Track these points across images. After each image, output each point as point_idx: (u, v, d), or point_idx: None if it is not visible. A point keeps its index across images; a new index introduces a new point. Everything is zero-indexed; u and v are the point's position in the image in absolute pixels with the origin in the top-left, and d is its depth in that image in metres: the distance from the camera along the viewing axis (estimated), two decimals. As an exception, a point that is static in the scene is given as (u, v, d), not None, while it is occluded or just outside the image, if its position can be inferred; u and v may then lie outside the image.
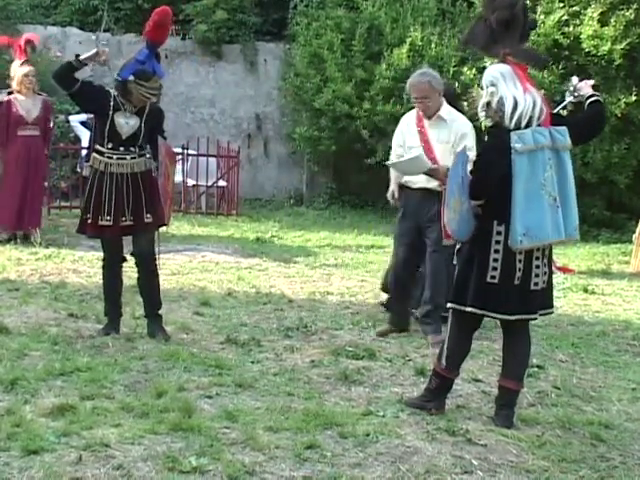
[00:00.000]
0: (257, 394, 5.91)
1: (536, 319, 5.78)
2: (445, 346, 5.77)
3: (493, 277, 5.48)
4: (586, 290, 10.24)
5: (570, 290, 10.28)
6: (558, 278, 10.86)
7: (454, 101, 7.96)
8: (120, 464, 4.59)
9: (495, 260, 5.48)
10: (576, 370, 6.97)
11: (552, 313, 5.92)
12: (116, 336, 7.18)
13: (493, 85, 5.56)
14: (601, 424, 5.65)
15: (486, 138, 5.80)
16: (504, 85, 5.54)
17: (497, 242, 5.47)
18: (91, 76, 17.28)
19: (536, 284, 5.55)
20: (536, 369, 6.83)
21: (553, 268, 11.17)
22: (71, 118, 16.38)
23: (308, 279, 10.08)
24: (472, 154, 6.53)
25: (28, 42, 12.08)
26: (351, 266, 10.88)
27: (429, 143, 7.47)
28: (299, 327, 7.82)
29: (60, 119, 15.47)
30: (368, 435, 5.20)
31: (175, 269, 10.35)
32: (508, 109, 5.48)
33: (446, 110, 7.59)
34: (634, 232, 12.65)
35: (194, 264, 10.74)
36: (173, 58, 17.83)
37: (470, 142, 7.42)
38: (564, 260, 12.27)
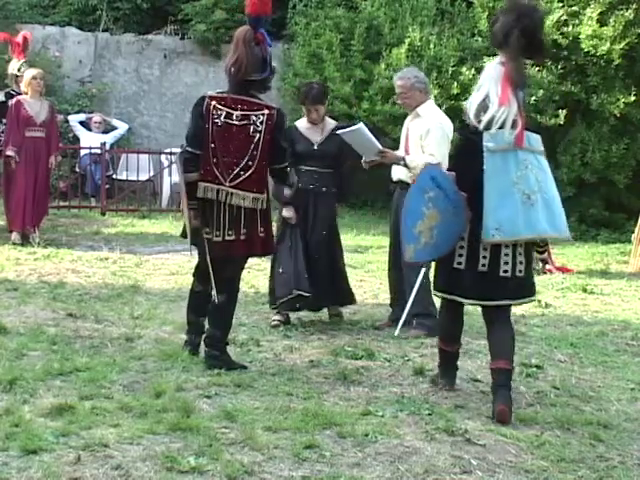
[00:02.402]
0: (256, 394, 5.91)
1: (508, 305, 5.91)
2: (440, 322, 6.26)
3: (459, 263, 5.79)
4: (585, 290, 10.24)
5: (569, 290, 10.28)
6: (557, 278, 10.91)
7: None
8: (119, 464, 4.59)
9: (461, 247, 5.78)
10: (575, 370, 6.97)
11: (532, 301, 6.23)
12: (115, 336, 7.18)
13: (482, 84, 5.86)
14: (600, 424, 5.65)
15: (459, 139, 6.11)
16: (486, 87, 5.79)
17: (483, 233, 5.68)
18: (90, 76, 17.36)
19: (506, 271, 5.72)
20: (535, 369, 6.83)
21: (552, 268, 11.31)
22: (70, 118, 16.40)
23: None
24: (432, 158, 7.32)
25: (25, 40, 12.13)
26: (350, 266, 10.86)
27: (408, 137, 7.91)
28: (298, 327, 7.82)
29: (59, 119, 15.46)
30: (367, 435, 5.19)
31: (174, 269, 10.35)
32: (474, 109, 5.77)
33: (426, 107, 7.91)
34: (633, 232, 12.66)
35: (193, 264, 10.64)
36: (172, 58, 17.84)
37: (430, 140, 7.68)
38: (563, 260, 12.29)
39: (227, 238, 6.35)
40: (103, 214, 14.96)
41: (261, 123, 6.27)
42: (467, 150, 5.96)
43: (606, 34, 14.32)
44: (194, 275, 6.82)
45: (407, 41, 15.70)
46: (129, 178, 16.15)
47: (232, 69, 6.30)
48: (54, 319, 7.65)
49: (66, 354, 6.57)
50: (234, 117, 6.28)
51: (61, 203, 15.10)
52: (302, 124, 8.12)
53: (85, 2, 18.13)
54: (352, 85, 16.09)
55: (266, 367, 6.58)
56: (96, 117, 16.58)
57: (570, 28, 14.72)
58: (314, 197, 7.97)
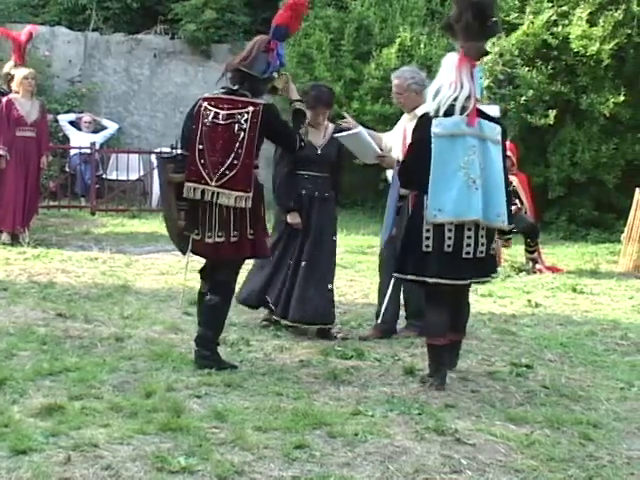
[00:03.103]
0: (246, 394, 5.90)
1: (469, 285, 6.48)
2: (427, 318, 6.44)
3: (427, 246, 6.12)
4: (575, 290, 10.26)
5: (559, 290, 10.29)
6: (547, 277, 10.93)
7: None
8: (109, 464, 4.58)
9: (428, 230, 6.12)
10: (565, 369, 6.98)
11: (494, 278, 6.62)
12: (105, 336, 7.17)
13: (438, 71, 6.31)
14: (589, 423, 5.66)
15: (416, 129, 6.38)
16: (441, 74, 6.23)
17: (426, 213, 6.11)
18: (80, 75, 17.33)
19: (468, 253, 6.11)
20: (525, 369, 6.84)
21: (542, 268, 11.39)
22: (60, 118, 16.37)
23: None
24: None
25: (28, 40, 12.09)
26: (340, 266, 10.85)
27: (405, 138, 7.57)
28: (288, 327, 7.82)
29: (49, 118, 15.43)
30: (357, 435, 5.19)
31: (164, 269, 10.34)
32: (430, 94, 6.23)
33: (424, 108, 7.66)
34: (622, 232, 12.69)
35: (183, 264, 10.63)
36: (162, 58, 17.82)
37: None
38: (553, 260, 12.31)
39: (217, 240, 6.36)
40: (93, 214, 14.94)
41: (245, 121, 6.30)
42: (419, 136, 6.25)
43: (596, 34, 14.34)
44: (201, 276, 6.79)
45: (397, 41, 15.72)
46: (119, 178, 16.13)
47: (229, 63, 6.50)
48: (44, 319, 7.63)
49: (56, 354, 6.56)
50: (220, 117, 6.35)
51: (51, 203, 15.08)
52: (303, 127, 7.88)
53: (75, 2, 18.11)
54: (342, 85, 16.08)
55: (256, 367, 6.58)
56: (86, 117, 16.55)
57: (560, 28, 14.73)
58: (318, 204, 7.70)
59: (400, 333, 7.73)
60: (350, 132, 7.33)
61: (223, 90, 6.48)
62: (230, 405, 5.62)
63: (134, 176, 15.97)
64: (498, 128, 6.29)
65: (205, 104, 6.43)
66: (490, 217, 6.13)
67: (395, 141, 7.73)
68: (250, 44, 6.44)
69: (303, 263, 7.65)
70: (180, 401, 5.58)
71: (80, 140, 16.02)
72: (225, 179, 6.30)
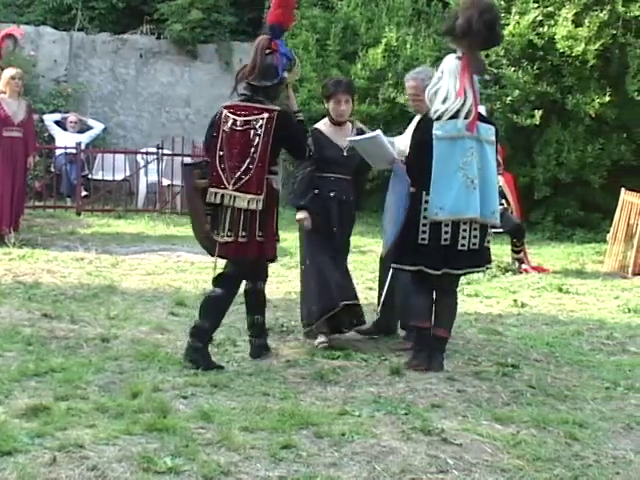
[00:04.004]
0: (233, 394, 5.90)
1: (462, 275, 6.87)
2: (414, 303, 6.78)
3: (424, 239, 6.51)
4: (561, 289, 10.28)
5: (545, 289, 10.31)
6: (533, 277, 10.95)
7: None
8: (95, 465, 4.57)
9: (424, 225, 6.50)
10: (551, 369, 6.99)
11: (489, 269, 7.32)
12: (90, 336, 7.15)
13: (441, 77, 6.55)
14: (575, 423, 5.67)
15: (417, 130, 6.74)
16: (446, 80, 6.50)
17: (425, 209, 6.49)
18: (65, 75, 17.28)
19: (463, 245, 6.51)
20: (511, 368, 6.85)
21: (528, 268, 11.48)
22: (45, 117, 16.32)
23: (284, 279, 10.07)
24: None
25: (8, 37, 12.04)
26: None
27: None
28: (275, 327, 7.81)
29: (34, 118, 15.39)
30: (344, 435, 5.19)
31: (150, 269, 10.32)
32: (437, 100, 6.49)
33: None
34: (608, 232, 12.73)
35: (169, 264, 10.72)
36: (148, 57, 17.78)
37: None
38: (539, 260, 12.33)
39: (227, 239, 6.55)
40: (79, 214, 14.90)
41: (260, 127, 6.52)
42: (420, 138, 6.60)
43: (581, 35, 14.37)
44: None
45: (383, 41, 15.72)
46: (105, 178, 16.09)
47: (240, 74, 6.68)
48: (29, 319, 7.61)
49: (41, 355, 6.54)
50: (238, 123, 6.57)
51: (36, 203, 15.02)
52: (326, 127, 7.46)
53: (60, 1, 18.03)
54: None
55: (243, 367, 6.58)
56: (71, 117, 16.50)
57: (545, 29, 14.75)
58: (341, 207, 7.38)
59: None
60: (367, 136, 7.14)
61: (241, 97, 6.67)
62: (216, 405, 5.62)
63: (120, 176, 15.93)
64: (492, 129, 6.64)
65: (225, 112, 6.64)
66: (486, 214, 6.52)
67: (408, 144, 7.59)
68: (253, 52, 6.59)
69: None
70: (166, 401, 5.57)
71: (66, 140, 15.96)
72: (240, 183, 6.52)
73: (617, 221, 12.38)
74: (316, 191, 7.27)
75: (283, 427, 5.25)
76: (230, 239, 6.53)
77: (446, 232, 6.46)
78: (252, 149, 6.51)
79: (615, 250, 12.27)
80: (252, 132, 6.52)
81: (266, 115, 6.52)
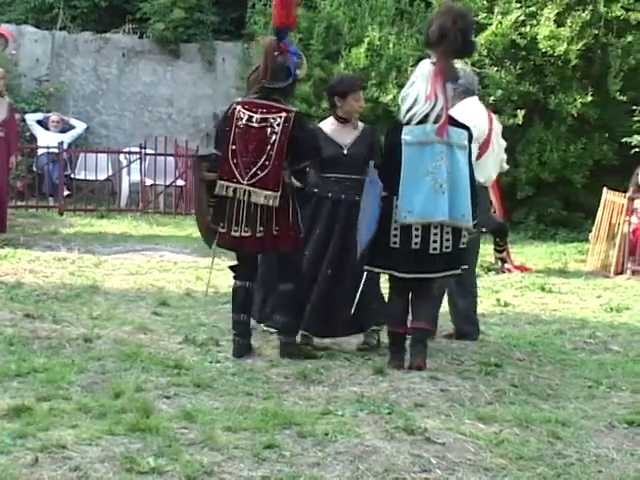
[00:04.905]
0: (216, 394, 5.89)
1: (435, 278, 6.77)
2: (389, 308, 6.84)
3: (395, 242, 6.56)
4: (543, 289, 10.31)
5: (527, 289, 10.34)
6: (516, 277, 10.98)
7: None
8: (77, 465, 4.55)
9: (395, 229, 6.56)
10: (533, 368, 7.01)
11: (461, 273, 6.84)
12: (73, 336, 7.12)
13: (414, 81, 6.61)
14: (558, 422, 5.68)
15: (388, 135, 6.80)
16: (417, 85, 6.56)
17: (396, 214, 6.54)
18: (47, 74, 17.22)
19: (435, 249, 6.54)
20: (494, 367, 6.86)
21: (511, 267, 11.48)
22: (27, 117, 16.26)
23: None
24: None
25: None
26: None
27: None
28: (257, 327, 7.79)
29: (16, 118, 15.33)
30: (327, 434, 5.19)
31: (133, 269, 10.30)
32: (405, 105, 6.57)
33: (463, 107, 7.51)
34: (590, 231, 12.78)
35: (152, 264, 10.70)
36: (130, 57, 17.74)
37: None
38: (522, 259, 12.37)
39: (243, 234, 6.73)
40: (61, 214, 14.85)
41: (278, 125, 6.71)
42: (390, 142, 6.70)
43: (563, 35, 14.42)
44: (234, 274, 6.99)
45: (366, 40, 15.72)
46: (87, 177, 16.04)
47: (252, 77, 6.90)
48: (11, 320, 7.57)
49: (23, 355, 6.51)
50: (254, 120, 6.74)
51: (18, 203, 14.97)
52: (329, 126, 7.30)
53: (42, 0, 17.97)
54: (311, 84, 16.06)
55: (225, 367, 6.57)
56: (53, 116, 16.45)
57: (528, 28, 14.79)
58: (345, 208, 7.10)
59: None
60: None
61: (256, 95, 6.83)
62: (199, 405, 5.61)
63: (102, 176, 15.91)
64: (465, 133, 6.67)
65: (239, 107, 6.80)
66: (456, 217, 6.54)
67: None
68: (262, 57, 6.86)
69: (329, 271, 7.14)
70: (149, 401, 5.55)
71: (48, 140, 15.91)
72: (256, 178, 6.72)
73: (599, 220, 12.43)
74: (315, 190, 7.17)
75: (266, 427, 5.24)
76: (247, 234, 6.73)
77: (416, 236, 6.52)
78: (269, 146, 6.71)
79: (597, 249, 12.32)
80: (269, 130, 6.71)
81: (284, 114, 6.72)
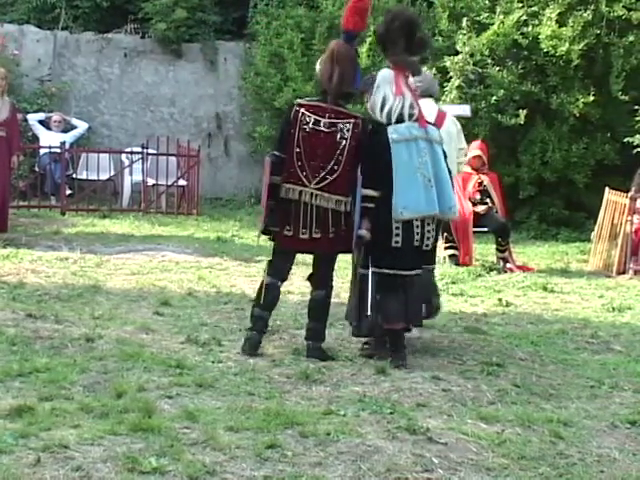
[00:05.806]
0: (218, 394, 5.89)
1: (420, 273, 6.95)
2: (386, 306, 6.80)
3: (397, 242, 6.70)
4: (545, 288, 10.30)
5: (529, 288, 10.33)
6: (518, 276, 10.97)
7: None
8: (79, 465, 4.56)
9: (397, 227, 6.69)
10: (535, 368, 7.01)
11: (434, 268, 7.40)
12: (75, 336, 7.13)
13: (378, 86, 6.84)
14: (560, 422, 5.68)
15: (371, 136, 6.85)
16: (382, 87, 6.82)
17: (393, 212, 6.67)
18: (49, 74, 17.22)
19: (427, 245, 6.86)
20: (496, 367, 6.86)
21: (513, 267, 11.57)
22: (29, 117, 16.25)
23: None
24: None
25: None
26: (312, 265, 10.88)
27: None
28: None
29: (18, 118, 15.32)
30: (329, 434, 5.19)
31: (135, 269, 10.29)
32: (377, 107, 6.80)
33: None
34: (592, 231, 12.76)
35: (154, 264, 10.69)
36: (132, 57, 17.72)
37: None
38: (524, 259, 12.36)
39: (314, 236, 6.78)
40: (63, 214, 14.84)
41: (348, 131, 6.77)
42: (378, 142, 6.76)
43: (565, 34, 14.43)
44: (268, 271, 7.01)
45: (368, 40, 15.72)
46: (89, 177, 16.03)
47: (334, 81, 6.75)
48: (14, 319, 7.57)
49: (26, 355, 6.52)
50: (322, 124, 6.76)
51: (20, 203, 14.96)
52: None
53: (44, 0, 17.97)
54: (314, 84, 16.05)
55: (228, 367, 6.57)
56: (55, 116, 16.44)
57: (530, 28, 14.81)
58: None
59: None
60: (460, 107, 7.74)
61: (318, 98, 6.93)
62: (201, 405, 5.61)
63: (104, 176, 15.88)
64: (437, 130, 7.07)
65: (303, 110, 6.80)
66: (444, 210, 6.85)
67: None
68: (332, 59, 6.76)
69: None
70: (151, 401, 5.55)
71: (50, 139, 15.90)
72: (325, 183, 6.75)
73: (601, 220, 12.41)
74: None
75: (268, 427, 5.24)
76: (318, 235, 6.77)
77: (417, 233, 6.74)
78: (338, 151, 6.73)
79: (599, 249, 12.30)
80: (339, 135, 6.74)
81: (353, 121, 6.77)
